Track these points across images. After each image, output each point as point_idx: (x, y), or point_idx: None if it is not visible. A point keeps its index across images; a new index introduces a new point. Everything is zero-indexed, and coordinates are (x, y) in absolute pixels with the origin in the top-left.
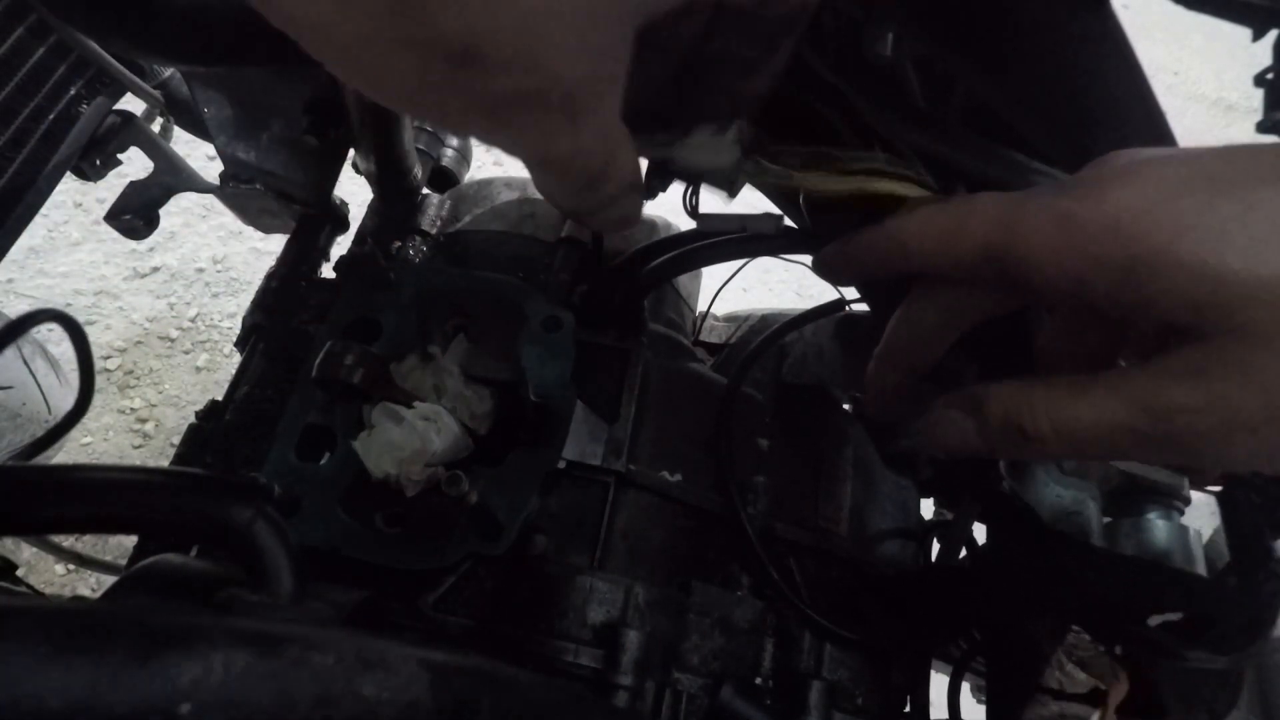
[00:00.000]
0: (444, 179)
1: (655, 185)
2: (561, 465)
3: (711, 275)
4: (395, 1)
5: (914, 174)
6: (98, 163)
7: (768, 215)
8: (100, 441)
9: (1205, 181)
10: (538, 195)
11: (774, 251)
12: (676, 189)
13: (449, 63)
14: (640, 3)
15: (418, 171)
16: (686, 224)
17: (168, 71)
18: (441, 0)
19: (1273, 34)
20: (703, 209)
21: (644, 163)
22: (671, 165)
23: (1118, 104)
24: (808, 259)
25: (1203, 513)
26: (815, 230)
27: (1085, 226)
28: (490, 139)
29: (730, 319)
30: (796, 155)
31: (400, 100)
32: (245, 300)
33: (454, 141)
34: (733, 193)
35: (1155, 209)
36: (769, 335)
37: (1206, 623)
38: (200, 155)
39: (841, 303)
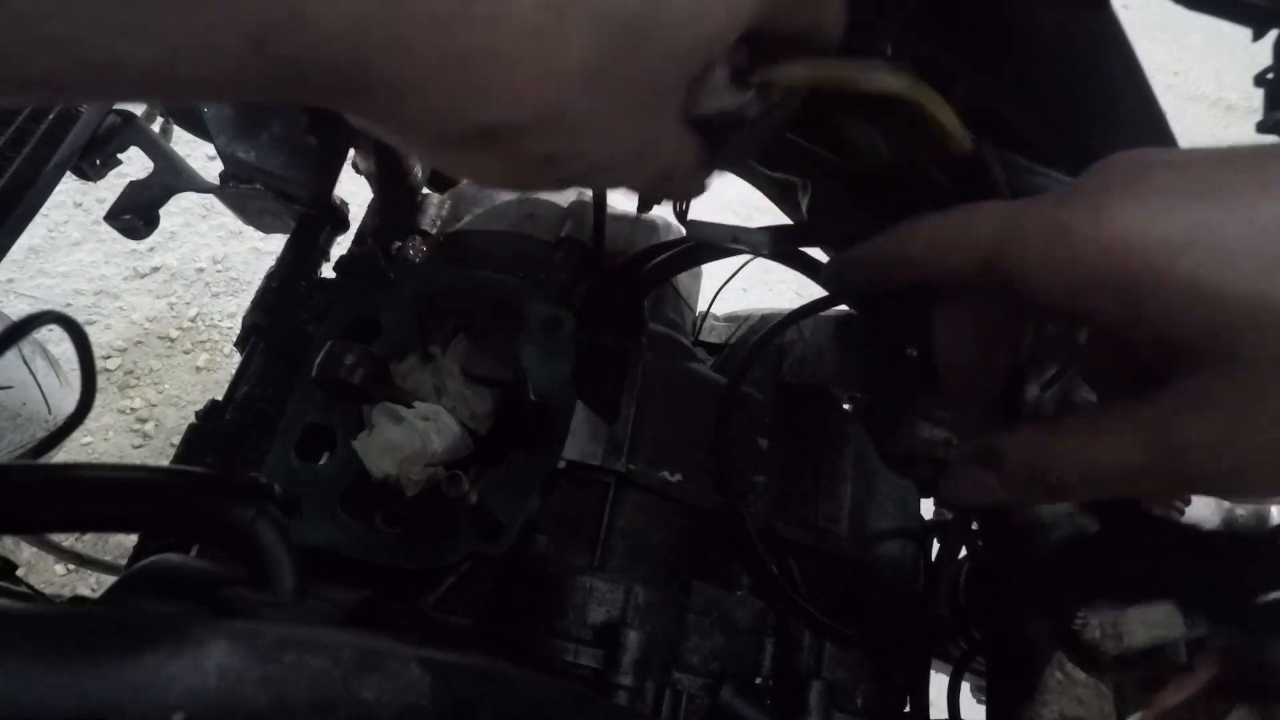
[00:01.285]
0: (444, 179)
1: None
2: (561, 465)
3: (711, 275)
4: (510, 146)
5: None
6: (98, 163)
7: (760, 229)
8: (100, 441)
9: (1210, 192)
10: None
11: (772, 255)
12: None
13: (537, 167)
14: (684, 72)
15: (418, 171)
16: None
17: None
18: (539, 135)
19: (1273, 34)
20: (691, 216)
21: None
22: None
23: (1118, 104)
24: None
25: (1204, 512)
26: (813, 229)
27: (1081, 242)
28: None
29: (730, 319)
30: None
31: (498, 183)
32: (245, 300)
33: None
34: (753, 109)
35: (1154, 223)
36: (767, 332)
37: None
38: (200, 155)
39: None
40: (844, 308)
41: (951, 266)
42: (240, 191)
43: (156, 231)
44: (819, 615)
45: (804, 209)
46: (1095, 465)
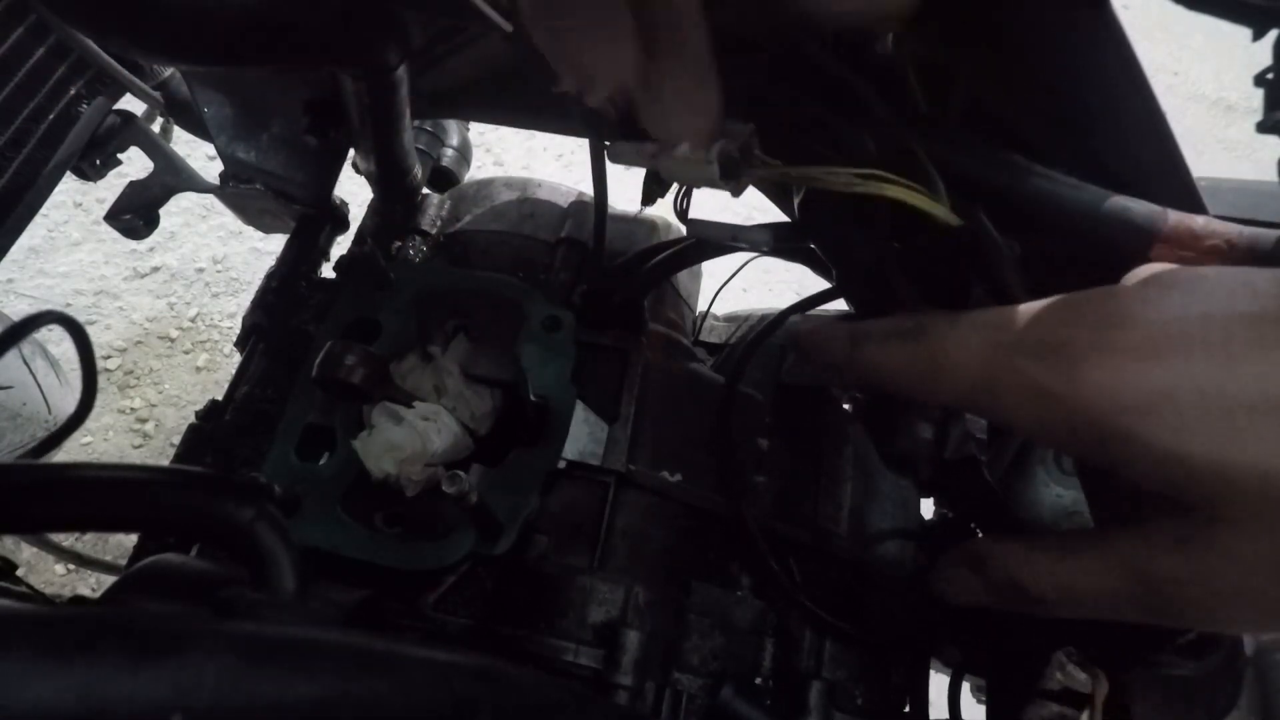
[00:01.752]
0: (444, 179)
1: (653, 191)
2: (561, 465)
3: (711, 275)
4: None
5: (922, 188)
6: (98, 163)
7: (760, 226)
8: (100, 441)
9: (1169, 352)
10: (538, 195)
11: (772, 250)
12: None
13: None
14: None
15: (418, 171)
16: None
17: (168, 71)
18: None
19: (1273, 34)
20: (693, 214)
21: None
22: (660, 174)
23: (1118, 104)
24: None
25: None
26: (809, 227)
27: (1058, 404)
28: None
29: (730, 319)
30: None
31: None
32: (245, 300)
33: (454, 141)
34: (735, 192)
35: (1121, 387)
36: (762, 330)
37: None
38: (200, 155)
39: (832, 294)
40: (842, 306)
41: (925, 395)
42: (240, 191)
43: (156, 231)
44: (821, 615)
45: (795, 206)
46: (1072, 587)
